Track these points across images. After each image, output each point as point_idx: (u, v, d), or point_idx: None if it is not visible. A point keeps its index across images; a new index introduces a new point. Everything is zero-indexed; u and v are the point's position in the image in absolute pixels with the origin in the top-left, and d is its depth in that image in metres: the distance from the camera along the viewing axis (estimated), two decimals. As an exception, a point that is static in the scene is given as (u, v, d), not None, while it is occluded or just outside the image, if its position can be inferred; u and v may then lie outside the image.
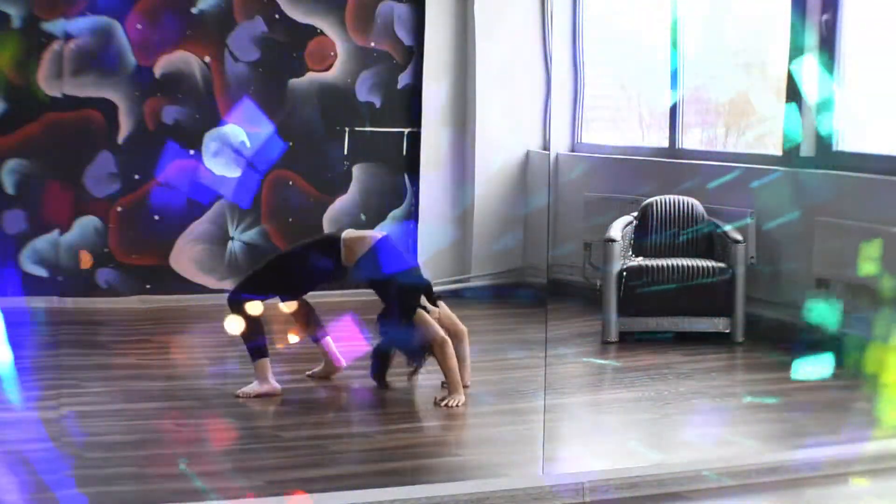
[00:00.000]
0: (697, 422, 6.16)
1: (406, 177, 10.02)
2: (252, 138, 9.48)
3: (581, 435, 6.16)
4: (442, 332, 6.47)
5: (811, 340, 7.73)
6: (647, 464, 5.35)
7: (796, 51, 8.09)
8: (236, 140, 9.45)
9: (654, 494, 5.07)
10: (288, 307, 6.82)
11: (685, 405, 6.52)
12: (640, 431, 6.08)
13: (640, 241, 8.45)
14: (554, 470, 5.22)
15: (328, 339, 6.92)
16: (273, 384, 6.54)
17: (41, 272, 9.00)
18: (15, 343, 6.81)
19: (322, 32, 9.68)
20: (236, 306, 6.52)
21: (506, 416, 6.28)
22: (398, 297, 6.53)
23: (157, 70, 9.30)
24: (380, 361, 6.73)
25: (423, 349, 6.54)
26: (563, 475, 5.13)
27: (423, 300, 6.59)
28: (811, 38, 8.00)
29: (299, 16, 9.60)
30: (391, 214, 9.95)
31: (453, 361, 6.43)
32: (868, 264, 7.51)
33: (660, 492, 5.09)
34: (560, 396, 6.52)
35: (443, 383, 6.59)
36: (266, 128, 9.49)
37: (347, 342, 7.13)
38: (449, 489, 4.92)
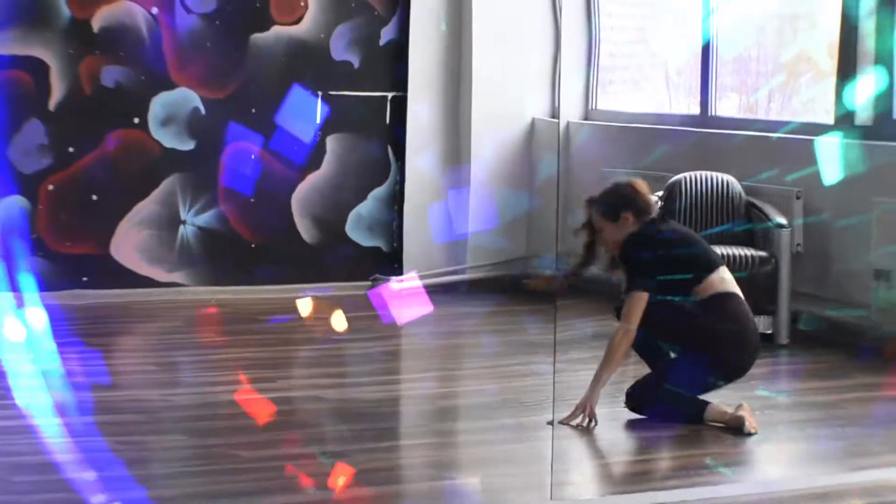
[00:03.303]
0: (735, 440, 6.10)
1: (390, 149, 10.01)
2: (208, 105, 9.47)
3: (596, 455, 6.13)
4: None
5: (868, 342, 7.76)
6: (673, 489, 5.33)
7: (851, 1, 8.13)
8: (189, 106, 9.44)
9: (682, 524, 5.09)
10: None
11: (720, 419, 6.50)
12: (666, 451, 6.05)
13: (667, 225, 8.43)
14: (565, 495, 5.19)
15: None
16: None
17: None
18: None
19: (291, -22, 9.70)
20: None
21: (508, 432, 6.26)
22: None
23: (96, 24, 9.29)
24: None
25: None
26: (576, 502, 5.10)
27: None
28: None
29: (263, -41, 9.65)
30: (372, 194, 9.93)
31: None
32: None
33: (689, 521, 5.11)
34: (572, 409, 6.48)
35: None
36: (225, 92, 9.52)
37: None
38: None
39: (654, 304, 6.29)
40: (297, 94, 9.59)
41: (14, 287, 8.93)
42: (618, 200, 6.44)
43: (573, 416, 6.25)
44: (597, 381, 6.31)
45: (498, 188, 10.08)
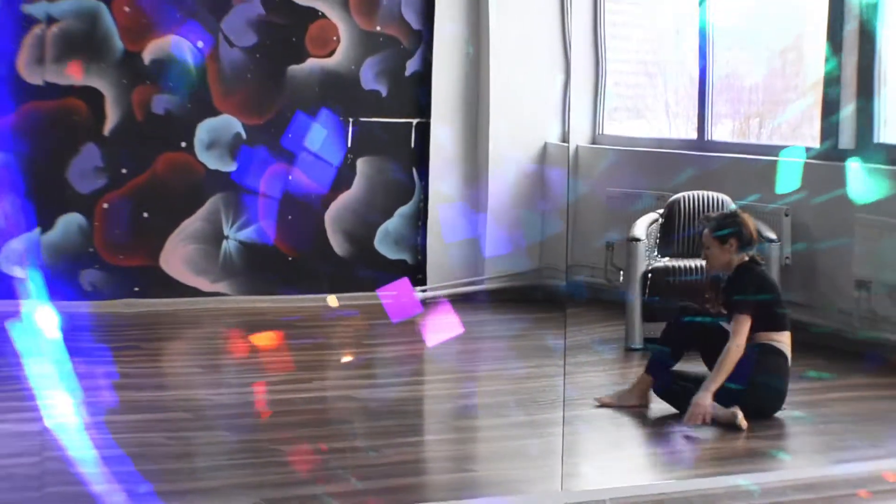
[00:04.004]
0: (729, 435, 6.15)
1: (415, 171, 10.04)
2: (248, 130, 9.50)
3: (603, 449, 6.15)
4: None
5: (851, 347, 7.77)
6: (674, 479, 5.37)
7: (835, 34, 8.10)
8: (231, 132, 9.48)
9: (681, 513, 5.10)
10: None
11: (715, 417, 6.51)
12: (668, 445, 6.09)
13: (667, 240, 8.44)
14: (574, 486, 5.22)
15: None
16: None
17: (21, 274, 9.02)
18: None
19: (324, 15, 9.69)
20: None
21: (522, 428, 6.28)
22: None
23: (147, 56, 9.35)
24: None
25: None
26: (585, 492, 5.14)
27: None
28: (852, 22, 8.02)
29: (299, -3, 9.64)
30: (398, 211, 9.95)
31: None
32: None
33: (687, 510, 5.12)
34: (580, 408, 6.52)
35: None
36: (264, 119, 9.55)
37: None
38: (460, 508, 4.92)
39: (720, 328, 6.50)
40: (324, 120, 9.64)
41: (70, 296, 9.00)
42: (729, 226, 6.57)
43: (692, 419, 6.25)
44: (712, 384, 6.29)
45: (513, 206, 10.03)
